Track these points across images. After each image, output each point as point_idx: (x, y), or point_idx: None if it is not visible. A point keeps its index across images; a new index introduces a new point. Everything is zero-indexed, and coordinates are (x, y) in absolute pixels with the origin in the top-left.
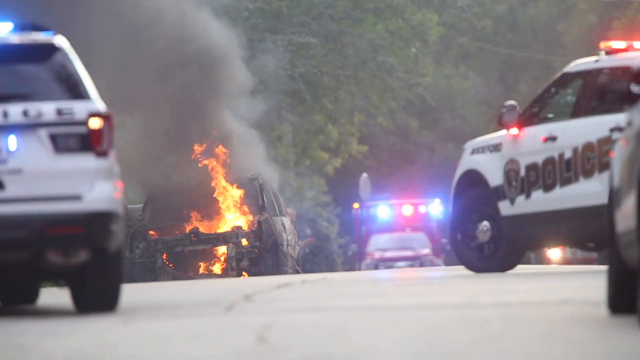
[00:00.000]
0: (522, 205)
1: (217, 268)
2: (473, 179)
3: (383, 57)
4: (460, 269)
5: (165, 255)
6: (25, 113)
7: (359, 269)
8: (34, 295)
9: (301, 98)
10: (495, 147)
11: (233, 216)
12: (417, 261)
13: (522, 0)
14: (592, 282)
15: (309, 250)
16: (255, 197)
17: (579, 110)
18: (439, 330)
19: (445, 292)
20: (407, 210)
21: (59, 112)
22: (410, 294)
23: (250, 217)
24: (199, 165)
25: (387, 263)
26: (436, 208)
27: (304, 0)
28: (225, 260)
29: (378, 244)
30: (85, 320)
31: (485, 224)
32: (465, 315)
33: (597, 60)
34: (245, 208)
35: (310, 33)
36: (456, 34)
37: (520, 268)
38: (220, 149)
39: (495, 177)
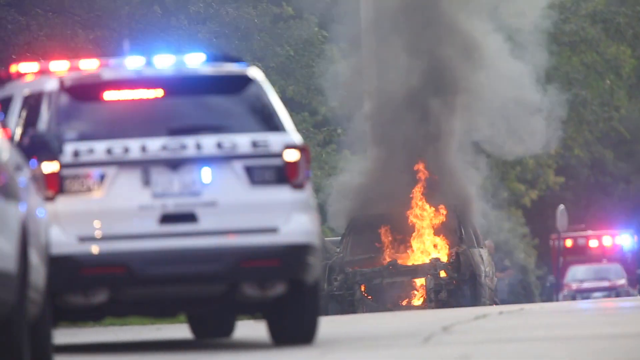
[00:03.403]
0: None
1: (415, 300)
2: None
3: (577, 90)
4: None
5: (363, 287)
6: (219, 145)
7: (557, 300)
8: (230, 328)
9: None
10: None
11: (431, 248)
12: (613, 292)
13: None
14: None
15: (508, 282)
16: (454, 229)
17: None
18: (636, 359)
19: None
20: (604, 241)
21: (254, 144)
22: (606, 323)
23: (449, 249)
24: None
25: (583, 294)
26: (631, 239)
27: None
28: (423, 292)
29: (575, 275)
30: (282, 353)
31: None
32: None
33: None
34: (444, 240)
35: None
36: None
37: None
38: (425, 177)
39: None
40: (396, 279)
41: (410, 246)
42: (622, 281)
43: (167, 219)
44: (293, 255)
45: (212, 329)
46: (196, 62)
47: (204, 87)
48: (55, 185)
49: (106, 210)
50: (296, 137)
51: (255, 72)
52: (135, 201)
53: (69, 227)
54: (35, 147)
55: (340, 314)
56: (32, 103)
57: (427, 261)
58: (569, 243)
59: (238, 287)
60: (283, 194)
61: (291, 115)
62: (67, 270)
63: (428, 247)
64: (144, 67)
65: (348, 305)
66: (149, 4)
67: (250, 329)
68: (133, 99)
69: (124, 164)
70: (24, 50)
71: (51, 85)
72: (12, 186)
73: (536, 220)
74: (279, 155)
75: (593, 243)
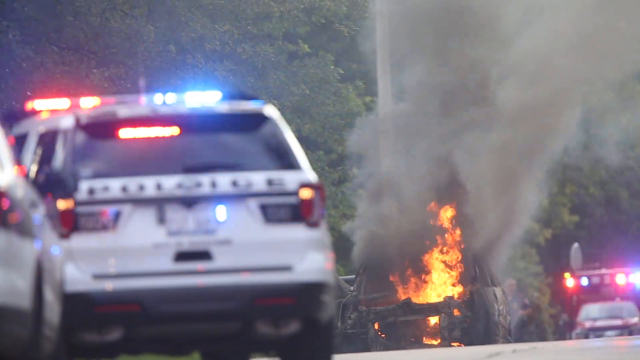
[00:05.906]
0: None
1: (429, 338)
2: None
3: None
4: None
5: (377, 325)
6: (234, 183)
7: (570, 338)
8: None
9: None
10: None
11: (446, 286)
12: (626, 330)
13: None
14: None
15: (521, 320)
16: (468, 267)
17: None
18: None
19: None
20: (617, 279)
21: (269, 182)
22: None
23: (463, 287)
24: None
25: (597, 332)
26: None
27: None
28: (437, 330)
29: (588, 314)
30: None
31: None
32: None
33: None
34: (458, 278)
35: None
36: None
37: None
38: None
39: None
40: (410, 317)
41: (425, 284)
42: (635, 319)
43: (181, 256)
44: (308, 294)
45: None
46: (212, 100)
47: (220, 125)
48: (70, 223)
49: (121, 248)
50: (311, 176)
51: (270, 110)
52: (150, 239)
53: (84, 265)
54: (50, 184)
55: (354, 352)
56: (48, 140)
57: (441, 299)
58: (582, 281)
59: (252, 325)
60: (298, 232)
61: (306, 154)
62: (81, 307)
63: (442, 286)
64: (160, 104)
65: (362, 343)
66: (164, 42)
67: None
68: (148, 137)
69: (139, 201)
70: (40, 88)
71: (66, 122)
72: (27, 223)
73: (550, 258)
74: (294, 193)
75: (607, 281)
